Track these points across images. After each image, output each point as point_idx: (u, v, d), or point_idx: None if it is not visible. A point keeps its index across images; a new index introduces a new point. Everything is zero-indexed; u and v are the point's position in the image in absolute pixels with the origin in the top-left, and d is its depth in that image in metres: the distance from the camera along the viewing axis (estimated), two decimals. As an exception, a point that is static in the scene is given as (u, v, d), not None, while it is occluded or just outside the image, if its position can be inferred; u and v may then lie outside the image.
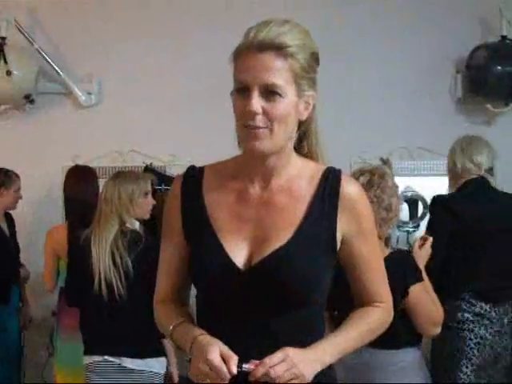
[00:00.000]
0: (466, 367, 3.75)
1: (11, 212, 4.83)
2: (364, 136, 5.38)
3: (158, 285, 1.94)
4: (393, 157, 5.41)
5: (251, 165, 1.77)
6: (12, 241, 4.77)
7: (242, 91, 1.66)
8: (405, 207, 5.53)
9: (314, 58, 1.73)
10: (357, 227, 1.76)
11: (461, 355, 3.77)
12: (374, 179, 3.10)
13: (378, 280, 1.84)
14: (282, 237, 1.70)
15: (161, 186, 4.97)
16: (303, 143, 1.81)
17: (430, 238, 3.32)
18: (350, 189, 1.76)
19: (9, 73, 5.12)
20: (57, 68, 5.39)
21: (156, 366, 3.66)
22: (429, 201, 5.75)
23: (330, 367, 1.77)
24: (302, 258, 1.68)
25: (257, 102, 1.63)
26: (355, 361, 2.82)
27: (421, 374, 3.12)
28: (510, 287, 3.84)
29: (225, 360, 1.61)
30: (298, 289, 1.68)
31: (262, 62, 1.63)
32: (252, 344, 1.65)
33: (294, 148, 1.79)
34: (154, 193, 4.04)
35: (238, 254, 1.71)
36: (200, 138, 5.27)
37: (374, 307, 1.84)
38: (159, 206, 3.95)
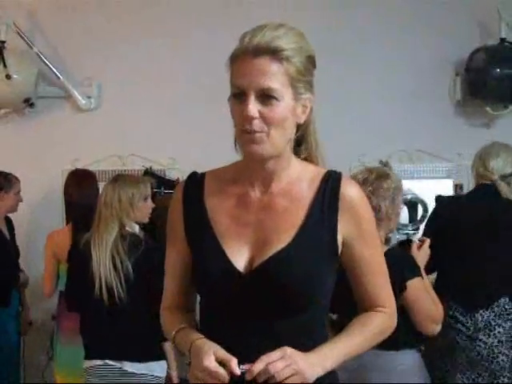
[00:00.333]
0: (440, 368, 3.75)
1: (11, 215, 4.83)
2: (363, 139, 5.38)
3: (165, 291, 1.96)
4: (392, 160, 5.40)
5: (251, 169, 1.77)
6: (12, 244, 4.77)
7: (238, 96, 1.67)
8: (404, 210, 5.54)
9: (311, 61, 1.72)
10: (357, 230, 1.75)
11: (435, 355, 3.77)
12: (370, 178, 3.12)
13: (380, 284, 1.83)
14: (282, 240, 1.70)
15: (160, 189, 4.97)
16: (302, 146, 1.80)
17: (428, 240, 3.34)
18: (350, 191, 1.75)
19: (8, 76, 5.12)
20: (56, 72, 5.39)
21: (157, 369, 3.66)
22: (428, 204, 5.77)
23: (333, 370, 1.76)
24: (302, 261, 1.68)
25: (253, 107, 1.64)
26: (353, 362, 2.83)
27: (421, 377, 3.12)
28: (487, 295, 3.81)
29: (223, 363, 1.62)
30: (299, 291, 1.67)
31: (258, 66, 1.63)
32: (254, 347, 1.64)
33: (294, 151, 1.79)
34: (154, 196, 4.03)
35: (239, 257, 1.71)
36: (199, 142, 5.27)
37: (376, 312, 1.83)
38: (158, 209, 3.96)
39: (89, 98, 5.51)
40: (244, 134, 1.67)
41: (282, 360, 1.60)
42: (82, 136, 5.46)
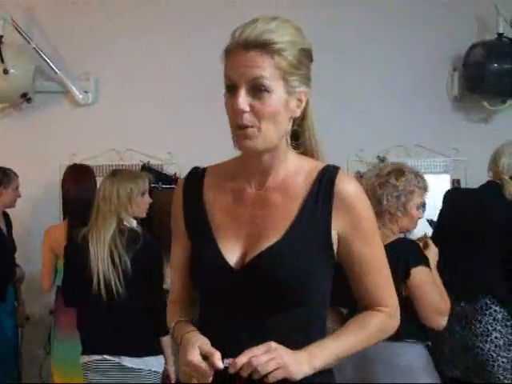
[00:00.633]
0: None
1: (8, 210, 4.82)
2: (361, 134, 5.38)
3: (171, 285, 1.94)
4: (390, 155, 5.42)
5: (248, 164, 1.77)
6: (9, 239, 4.76)
7: (230, 90, 1.67)
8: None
9: (305, 54, 1.71)
10: (353, 226, 1.72)
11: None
12: (383, 172, 3.22)
13: (379, 283, 1.79)
14: (274, 234, 1.69)
15: (158, 184, 4.97)
16: (299, 141, 1.78)
17: (428, 238, 3.34)
18: (345, 186, 1.72)
19: (6, 71, 5.11)
20: (54, 67, 5.39)
21: (154, 364, 3.66)
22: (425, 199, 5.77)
23: (329, 369, 1.75)
24: (293, 256, 1.67)
25: (243, 100, 1.63)
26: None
27: (426, 373, 3.07)
28: (476, 288, 3.84)
29: (207, 357, 1.62)
30: (290, 286, 1.66)
31: (248, 59, 1.63)
32: (247, 343, 1.62)
33: (293, 146, 1.77)
34: (151, 191, 4.04)
35: (232, 252, 1.72)
36: (197, 137, 5.27)
37: (375, 311, 1.79)
38: (156, 204, 3.96)
39: (86, 92, 5.50)
40: (236, 128, 1.67)
41: (266, 353, 1.58)
42: (79, 131, 5.46)
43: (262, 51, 1.62)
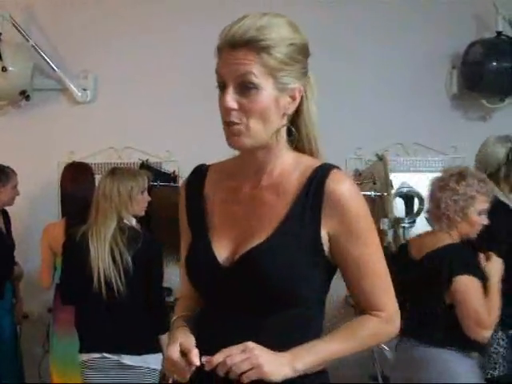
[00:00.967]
0: None
1: (7, 208, 4.82)
2: (360, 132, 5.38)
3: (181, 281, 1.96)
4: (389, 153, 5.41)
5: (244, 162, 1.78)
6: (8, 237, 4.76)
7: (221, 88, 1.68)
8: (400, 203, 5.55)
9: (297, 50, 1.67)
10: (345, 227, 1.67)
11: None
12: (446, 175, 3.24)
13: (376, 286, 1.73)
14: (263, 233, 1.68)
15: (156, 182, 4.97)
16: (296, 138, 1.76)
17: (490, 253, 3.23)
18: (337, 186, 1.66)
19: (4, 69, 5.11)
20: (52, 64, 5.38)
21: (153, 362, 3.66)
22: (424, 197, 5.77)
23: (324, 370, 1.74)
24: (280, 256, 1.65)
25: (231, 98, 1.64)
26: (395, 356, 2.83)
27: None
28: None
29: (186, 354, 1.63)
30: (275, 286, 1.64)
31: (235, 57, 1.63)
32: (236, 340, 1.61)
33: (290, 144, 1.76)
34: (150, 189, 4.03)
35: (223, 250, 1.72)
36: (196, 135, 5.27)
37: (370, 315, 1.75)
38: (154, 202, 3.95)
39: (85, 90, 5.50)
40: (225, 125, 1.68)
41: (241, 353, 1.57)
42: (78, 129, 5.46)
43: (249, 49, 1.62)
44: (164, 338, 3.62)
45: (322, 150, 1.79)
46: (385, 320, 1.75)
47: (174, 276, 4.82)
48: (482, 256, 3.19)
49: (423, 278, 3.12)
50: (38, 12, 5.51)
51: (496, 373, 3.58)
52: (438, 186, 3.21)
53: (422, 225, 5.45)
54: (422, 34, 5.42)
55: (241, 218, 1.74)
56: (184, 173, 5.29)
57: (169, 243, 4.56)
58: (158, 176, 5.09)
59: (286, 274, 1.64)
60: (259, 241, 1.67)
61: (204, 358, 1.60)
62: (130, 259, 3.54)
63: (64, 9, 5.50)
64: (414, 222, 5.74)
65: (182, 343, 1.66)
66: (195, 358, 1.61)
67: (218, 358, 1.58)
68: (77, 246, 3.65)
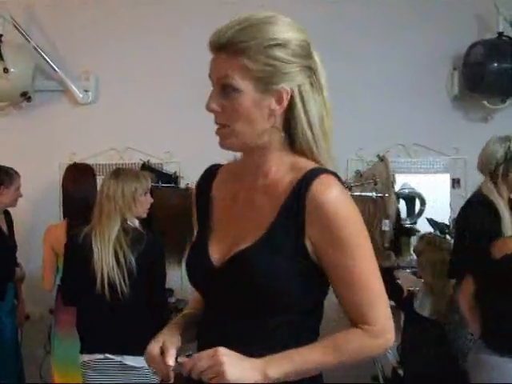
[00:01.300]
0: None
1: (9, 209, 4.81)
2: (361, 133, 5.38)
3: None
4: (390, 154, 5.42)
5: (244, 163, 1.78)
6: (10, 238, 4.76)
7: None
8: (401, 204, 5.55)
9: (282, 50, 1.62)
10: (327, 235, 1.61)
11: None
12: None
13: (363, 299, 1.65)
14: (252, 237, 1.66)
15: (158, 183, 4.97)
16: (293, 139, 1.71)
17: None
18: (319, 192, 1.60)
19: (5, 70, 5.11)
20: (54, 65, 5.39)
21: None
22: (425, 198, 5.78)
23: (319, 375, 1.73)
24: (262, 262, 1.62)
25: (213, 101, 1.65)
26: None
27: None
28: None
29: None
30: (256, 292, 1.63)
31: (217, 61, 1.64)
32: (221, 343, 1.61)
33: (293, 146, 1.72)
34: (152, 190, 4.03)
35: (217, 251, 1.72)
36: (197, 136, 5.25)
37: (358, 328, 1.67)
38: (156, 203, 3.95)
39: (86, 91, 5.51)
40: (216, 128, 1.70)
41: (207, 359, 1.57)
42: (79, 130, 5.46)
43: (228, 52, 1.62)
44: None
45: (324, 153, 1.70)
46: (373, 334, 1.67)
47: (175, 277, 4.82)
48: None
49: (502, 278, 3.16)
50: (39, 13, 5.51)
51: None
52: None
53: (423, 226, 5.48)
54: (422, 35, 5.42)
55: (236, 220, 1.74)
56: (185, 174, 5.30)
57: (170, 244, 4.59)
58: (159, 177, 5.10)
59: (266, 281, 1.61)
60: (247, 244, 1.66)
61: (180, 359, 1.62)
62: (133, 260, 3.54)
63: (65, 10, 5.50)
64: (415, 223, 5.74)
65: (164, 341, 1.69)
66: (169, 358, 1.64)
67: (189, 362, 1.59)
68: (79, 247, 3.64)
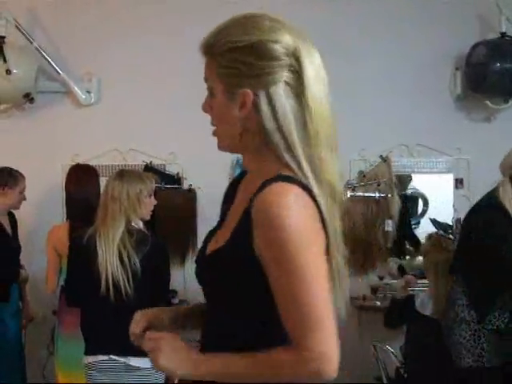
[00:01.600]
0: None
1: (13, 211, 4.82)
2: (364, 133, 5.38)
3: None
4: (393, 154, 5.42)
5: None
6: (14, 239, 4.76)
7: None
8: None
9: (244, 52, 1.57)
10: (265, 246, 1.51)
11: None
12: None
13: (296, 320, 1.50)
14: (222, 240, 1.66)
15: (161, 184, 4.97)
16: (265, 143, 1.62)
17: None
18: (262, 202, 1.51)
19: (8, 72, 5.12)
20: (56, 67, 5.39)
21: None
22: (428, 198, 5.78)
23: None
24: (217, 266, 1.62)
25: (205, 102, 1.68)
26: None
27: None
28: None
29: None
30: (211, 293, 1.70)
31: (205, 63, 1.67)
32: (202, 334, 1.73)
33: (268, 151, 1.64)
34: (155, 192, 4.03)
35: (210, 248, 1.74)
36: (199, 137, 5.23)
37: (290, 349, 1.52)
38: (159, 204, 3.95)
39: (89, 93, 5.51)
40: None
41: (152, 342, 1.66)
42: (82, 131, 5.47)
43: (206, 55, 1.65)
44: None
45: (302, 159, 1.57)
46: (304, 359, 1.49)
47: (178, 278, 4.82)
48: None
49: None
50: (41, 15, 5.52)
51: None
52: None
53: (426, 226, 5.48)
54: (425, 35, 5.43)
55: (228, 219, 1.75)
56: (188, 175, 5.30)
57: (173, 245, 4.59)
58: (162, 178, 5.10)
59: (215, 286, 1.65)
60: (218, 245, 1.66)
61: (148, 333, 1.76)
62: (138, 262, 3.53)
63: (68, 11, 5.51)
64: (418, 223, 5.74)
65: (147, 315, 1.85)
66: (134, 325, 1.88)
67: (143, 337, 1.73)
68: (84, 248, 3.63)
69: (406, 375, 4.21)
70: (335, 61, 5.25)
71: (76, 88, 5.47)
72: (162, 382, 3.69)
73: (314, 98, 1.58)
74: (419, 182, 5.73)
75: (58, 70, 5.40)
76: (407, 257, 5.69)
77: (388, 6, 5.47)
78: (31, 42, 5.31)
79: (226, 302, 1.63)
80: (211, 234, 1.78)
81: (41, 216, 5.30)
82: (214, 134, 1.69)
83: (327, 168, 1.59)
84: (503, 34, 5.29)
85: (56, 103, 5.58)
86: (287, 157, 1.57)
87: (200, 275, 1.71)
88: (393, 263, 5.48)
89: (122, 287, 3.50)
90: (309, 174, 1.56)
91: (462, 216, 5.36)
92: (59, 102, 5.58)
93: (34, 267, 4.90)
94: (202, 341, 1.67)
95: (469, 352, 3.65)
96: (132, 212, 3.63)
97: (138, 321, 1.84)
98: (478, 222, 3.66)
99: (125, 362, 3.59)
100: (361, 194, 5.39)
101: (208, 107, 1.67)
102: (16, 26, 5.26)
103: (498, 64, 5.22)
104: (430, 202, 5.76)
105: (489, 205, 3.66)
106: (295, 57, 1.57)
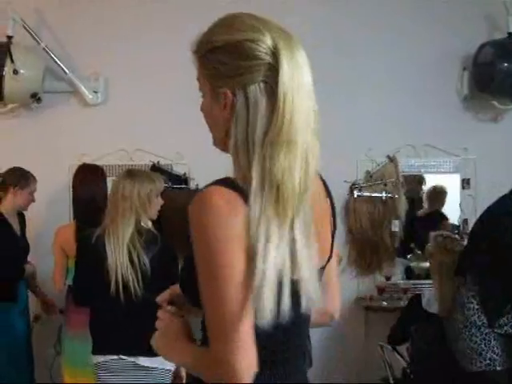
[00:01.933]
0: None
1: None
2: (370, 133, 5.38)
3: None
4: (399, 154, 5.42)
5: None
6: (22, 239, 4.77)
7: None
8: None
9: (221, 52, 1.57)
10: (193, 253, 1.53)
11: None
12: None
13: (207, 320, 1.51)
14: None
15: (167, 184, 4.98)
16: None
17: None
18: (190, 206, 1.52)
19: (16, 72, 5.13)
20: (63, 67, 5.40)
21: (169, 363, 3.66)
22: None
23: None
24: (188, 270, 1.62)
25: (201, 103, 1.69)
26: None
27: None
28: None
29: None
30: (183, 289, 1.79)
31: None
32: (202, 323, 1.71)
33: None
34: (162, 192, 4.03)
35: None
36: (206, 137, 5.23)
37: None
38: (165, 204, 3.95)
39: (95, 92, 5.52)
40: None
41: (162, 322, 1.82)
42: (88, 131, 5.47)
43: (194, 56, 1.67)
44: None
45: (254, 170, 1.51)
46: (213, 360, 1.50)
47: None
48: None
49: None
50: (48, 15, 5.52)
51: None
52: None
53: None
54: (432, 36, 5.42)
55: None
56: (195, 175, 5.30)
57: (179, 245, 4.58)
58: (168, 178, 5.10)
59: (185, 286, 1.76)
60: None
61: (169, 307, 1.91)
62: (147, 261, 3.54)
63: (75, 11, 5.52)
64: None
65: (175, 290, 1.90)
66: (159, 297, 1.98)
67: (161, 313, 1.86)
68: (93, 247, 3.63)
69: (412, 376, 4.20)
70: (342, 63, 5.29)
71: (83, 88, 5.48)
72: (169, 381, 3.70)
73: (286, 97, 1.50)
74: (426, 182, 5.73)
75: (65, 69, 5.41)
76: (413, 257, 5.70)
77: (395, 7, 5.47)
78: (38, 42, 5.32)
79: (198, 299, 1.56)
80: None
81: (48, 216, 5.31)
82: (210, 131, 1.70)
83: (282, 169, 1.49)
84: (510, 34, 5.28)
85: (63, 103, 5.58)
86: (242, 162, 1.53)
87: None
88: (400, 264, 5.48)
89: (132, 287, 3.51)
90: (254, 175, 1.50)
91: (469, 216, 5.39)
92: (66, 102, 5.59)
93: (42, 267, 4.90)
94: (202, 332, 1.65)
95: (480, 356, 3.64)
96: (142, 212, 3.64)
97: (166, 293, 1.93)
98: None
99: (134, 362, 3.59)
100: (367, 194, 5.38)
101: (202, 107, 1.69)
102: (23, 26, 5.27)
103: (506, 64, 5.21)
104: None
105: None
106: (274, 56, 1.52)
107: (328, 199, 1.73)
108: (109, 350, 3.63)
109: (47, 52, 5.34)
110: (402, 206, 5.36)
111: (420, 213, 5.86)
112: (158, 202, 3.79)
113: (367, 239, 5.37)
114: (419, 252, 5.55)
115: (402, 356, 4.43)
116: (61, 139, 5.47)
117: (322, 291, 1.70)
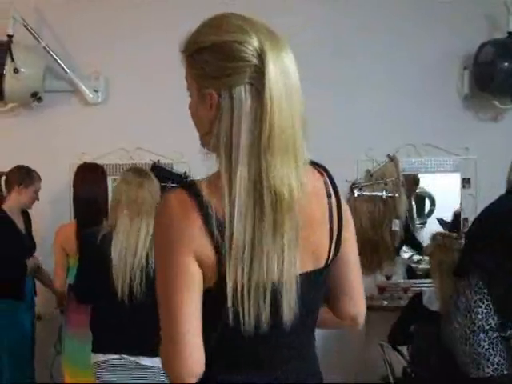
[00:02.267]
0: None
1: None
2: (371, 133, 5.38)
3: None
4: (400, 154, 5.42)
5: None
6: (27, 237, 4.77)
7: None
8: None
9: (207, 52, 1.57)
10: None
11: None
12: None
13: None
14: None
15: (167, 183, 4.98)
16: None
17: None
18: None
19: (16, 70, 5.13)
20: (64, 66, 5.40)
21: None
22: (435, 197, 5.78)
23: (319, 371, 1.76)
24: None
25: (189, 102, 1.66)
26: None
27: None
28: None
29: None
30: None
31: None
32: None
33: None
34: (162, 190, 4.03)
35: None
36: (207, 136, 5.27)
37: None
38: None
39: (96, 91, 5.52)
40: None
41: None
42: (89, 130, 5.48)
43: (182, 55, 1.64)
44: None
45: (226, 171, 1.54)
46: (162, 359, 1.62)
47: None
48: None
49: None
50: (49, 14, 5.53)
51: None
52: None
53: (432, 226, 5.48)
54: (433, 35, 5.42)
55: None
56: (195, 173, 5.30)
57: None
58: (169, 177, 5.10)
59: None
60: None
61: None
62: (151, 262, 3.54)
63: (75, 10, 5.52)
64: (425, 222, 5.74)
65: None
66: None
67: None
68: (97, 246, 3.62)
69: (413, 375, 4.20)
70: (342, 62, 5.29)
71: (83, 87, 5.48)
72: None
73: (272, 100, 1.50)
74: (426, 182, 5.73)
75: (66, 68, 5.41)
76: (414, 256, 5.70)
77: (395, 6, 5.47)
78: (39, 41, 5.32)
79: None
80: None
81: (48, 215, 5.31)
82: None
83: (274, 172, 1.49)
84: (511, 34, 5.28)
85: (63, 102, 5.59)
86: (225, 163, 1.55)
87: None
88: (400, 263, 5.49)
89: (135, 286, 3.51)
90: (238, 178, 1.50)
91: (469, 215, 5.39)
92: (66, 101, 5.59)
93: (43, 266, 4.91)
94: None
95: (488, 361, 3.60)
96: (149, 212, 3.63)
97: None
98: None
99: (135, 361, 3.59)
100: (368, 193, 5.39)
101: (189, 106, 1.67)
102: (24, 25, 5.27)
103: (506, 63, 5.21)
104: (436, 201, 5.76)
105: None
106: (260, 58, 1.51)
107: (332, 198, 1.68)
108: (110, 349, 3.63)
109: (48, 51, 5.34)
110: (403, 205, 5.36)
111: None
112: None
113: (368, 238, 5.38)
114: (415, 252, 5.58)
115: (402, 355, 4.43)
116: (61, 138, 5.47)
117: (331, 295, 1.77)
